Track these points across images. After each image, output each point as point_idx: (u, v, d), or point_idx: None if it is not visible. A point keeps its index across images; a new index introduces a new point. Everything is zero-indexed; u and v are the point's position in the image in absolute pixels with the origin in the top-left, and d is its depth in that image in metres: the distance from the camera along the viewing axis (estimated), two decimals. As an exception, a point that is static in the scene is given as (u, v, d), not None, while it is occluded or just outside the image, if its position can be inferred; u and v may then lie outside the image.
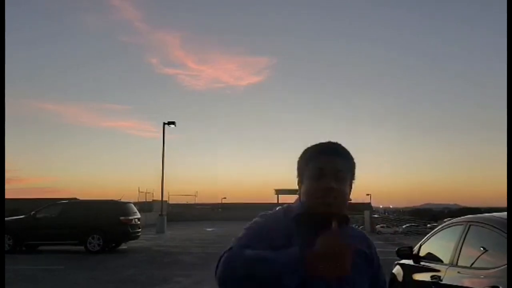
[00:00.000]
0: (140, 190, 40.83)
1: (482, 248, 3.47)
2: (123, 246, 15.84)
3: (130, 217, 15.11)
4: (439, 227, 4.52)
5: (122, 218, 14.70)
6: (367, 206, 50.84)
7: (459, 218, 4.26)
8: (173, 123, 27.22)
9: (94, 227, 14.30)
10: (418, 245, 4.57)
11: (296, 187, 1.42)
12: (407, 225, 36.23)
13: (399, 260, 4.90)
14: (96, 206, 15.15)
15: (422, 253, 4.39)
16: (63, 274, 9.88)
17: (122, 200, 16.21)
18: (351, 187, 1.39)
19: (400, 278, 4.73)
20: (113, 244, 15.24)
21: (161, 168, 26.80)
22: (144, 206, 33.42)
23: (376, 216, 42.24)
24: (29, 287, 8.52)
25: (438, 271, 3.80)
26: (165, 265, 11.37)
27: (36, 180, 70.21)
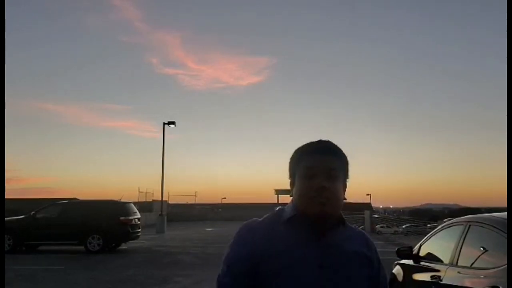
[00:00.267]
0: (140, 190, 40.92)
1: (482, 248, 3.47)
2: (123, 246, 15.84)
3: (130, 217, 15.11)
4: (439, 227, 4.52)
5: (122, 218, 14.70)
6: (367, 206, 50.85)
7: (459, 218, 4.26)
8: (173, 123, 27.22)
9: (94, 227, 14.30)
10: (418, 245, 4.57)
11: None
12: (407, 225, 36.24)
13: (399, 260, 4.90)
14: (96, 206, 15.15)
15: (422, 253, 4.39)
16: (63, 274, 9.88)
17: (122, 200, 16.21)
18: (345, 186, 1.35)
19: (400, 278, 4.73)
20: (113, 244, 15.24)
21: (161, 168, 26.84)
22: (144, 206, 33.41)
23: (376, 216, 42.26)
24: (29, 287, 8.53)
25: (438, 271, 3.80)
26: (165, 265, 11.37)
27: (36, 180, 70.25)
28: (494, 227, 3.36)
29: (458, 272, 3.51)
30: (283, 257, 1.22)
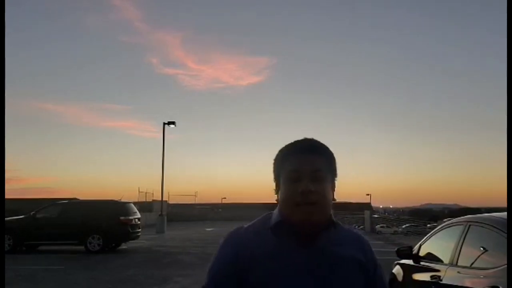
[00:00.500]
0: (140, 190, 40.90)
1: (482, 248, 3.47)
2: (123, 246, 15.84)
3: (130, 217, 15.11)
4: (439, 227, 4.52)
5: (122, 218, 14.70)
6: (367, 206, 50.88)
7: (459, 218, 4.26)
8: (173, 123, 27.22)
9: (94, 227, 14.30)
10: (418, 245, 4.57)
11: None
12: (407, 225, 36.23)
13: (399, 260, 4.90)
14: (96, 206, 15.15)
15: (422, 253, 4.39)
16: (63, 274, 9.88)
17: (122, 200, 16.21)
18: (333, 186, 1.26)
19: (400, 278, 4.73)
20: (113, 244, 15.24)
21: (161, 168, 26.84)
22: (144, 206, 33.40)
23: (376, 216, 42.25)
24: (29, 287, 8.53)
25: (438, 271, 3.80)
26: (165, 265, 11.37)
27: (36, 180, 70.25)
28: (494, 227, 3.36)
29: (458, 272, 3.51)
30: (269, 266, 1.16)
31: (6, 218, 14.05)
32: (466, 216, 4.10)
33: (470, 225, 3.72)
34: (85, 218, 14.45)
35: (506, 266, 2.91)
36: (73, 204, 16.41)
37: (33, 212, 14.89)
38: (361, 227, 32.70)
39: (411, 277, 4.44)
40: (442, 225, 4.53)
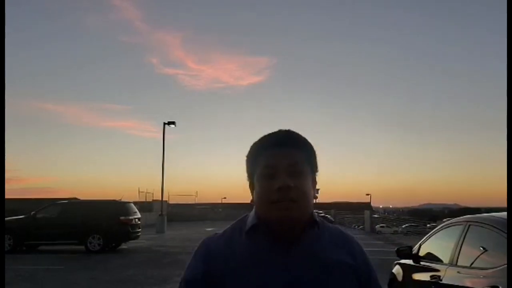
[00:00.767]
0: (140, 190, 40.86)
1: (481, 248, 3.47)
2: (123, 246, 15.84)
3: (130, 217, 15.11)
4: (439, 227, 4.52)
5: (122, 218, 14.70)
6: (367, 206, 50.89)
7: (458, 218, 4.26)
8: (173, 123, 27.21)
9: (94, 227, 14.30)
10: (418, 245, 4.57)
11: None
12: (407, 225, 36.22)
13: (399, 260, 4.90)
14: (96, 206, 15.15)
15: (421, 253, 4.39)
16: (63, 274, 9.88)
17: (122, 200, 16.21)
18: (314, 181, 1.14)
19: (400, 277, 4.73)
20: (113, 244, 15.24)
21: (161, 168, 26.84)
22: (144, 206, 33.40)
23: (376, 216, 42.23)
24: (29, 287, 8.53)
25: (438, 271, 3.80)
26: (165, 265, 11.37)
27: (36, 180, 70.27)
28: (494, 227, 3.36)
29: (458, 272, 3.51)
30: (243, 275, 1.04)
31: (6, 218, 14.05)
32: (465, 216, 4.10)
33: (470, 225, 3.72)
34: (85, 218, 14.45)
35: (506, 266, 2.91)
36: (73, 204, 16.41)
37: (33, 212, 14.89)
38: (361, 227, 32.71)
39: (411, 277, 4.44)
40: (441, 225, 4.53)
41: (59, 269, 10.61)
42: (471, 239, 3.64)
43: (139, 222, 15.81)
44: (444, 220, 9.94)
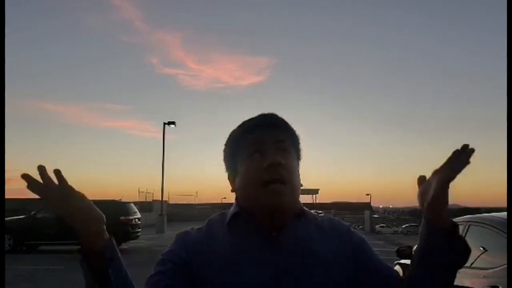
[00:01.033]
0: (140, 190, 40.93)
1: (482, 248, 3.47)
2: (123, 246, 15.84)
3: (130, 217, 15.12)
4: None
5: (122, 218, 14.70)
6: (367, 206, 50.91)
7: (458, 218, 4.26)
8: (173, 123, 27.22)
9: (94, 227, 14.29)
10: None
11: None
12: (407, 225, 36.24)
13: (399, 260, 4.90)
14: (96, 206, 15.13)
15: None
16: (63, 274, 9.88)
17: (122, 200, 16.22)
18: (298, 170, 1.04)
19: (400, 278, 4.73)
20: (113, 244, 15.24)
21: (161, 168, 26.85)
22: (144, 206, 33.43)
23: (376, 216, 42.26)
24: (29, 287, 8.53)
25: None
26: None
27: (36, 180, 70.08)
28: (494, 227, 3.36)
29: (458, 272, 3.51)
30: (224, 269, 0.94)
31: (6, 218, 14.06)
32: (466, 216, 4.10)
33: (470, 225, 3.72)
34: (85, 218, 14.44)
35: (506, 266, 2.91)
36: (73, 204, 16.40)
37: (33, 212, 14.90)
38: (361, 227, 32.73)
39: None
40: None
41: (59, 269, 10.61)
42: (471, 239, 3.64)
43: (139, 222, 15.81)
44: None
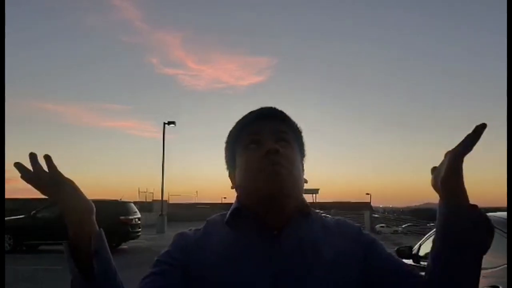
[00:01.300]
0: (140, 190, 40.97)
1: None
2: (123, 246, 15.85)
3: (130, 217, 15.12)
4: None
5: (122, 218, 14.71)
6: (367, 205, 50.91)
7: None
8: (173, 123, 27.23)
9: (94, 227, 14.30)
10: (418, 244, 4.57)
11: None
12: (407, 224, 36.23)
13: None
14: (96, 206, 14.99)
15: (421, 253, 4.39)
16: (63, 274, 9.87)
17: (122, 200, 16.22)
18: (302, 166, 1.00)
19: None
20: (113, 244, 15.24)
21: (161, 168, 26.86)
22: (144, 206, 33.45)
23: (376, 216, 42.26)
24: (29, 287, 8.53)
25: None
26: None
27: (36, 180, 70.11)
28: (494, 227, 3.36)
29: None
30: (223, 268, 0.90)
31: (6, 218, 14.06)
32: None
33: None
34: (85, 218, 14.44)
35: (506, 266, 2.91)
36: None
37: (33, 212, 14.90)
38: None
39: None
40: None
41: (59, 269, 10.60)
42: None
43: (139, 222, 15.82)
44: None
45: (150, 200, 40.67)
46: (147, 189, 43.35)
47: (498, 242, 3.35)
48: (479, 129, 0.82)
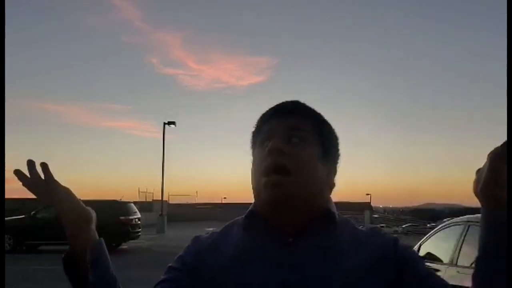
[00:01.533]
0: (140, 190, 40.86)
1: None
2: (123, 246, 15.85)
3: (130, 217, 15.13)
4: (439, 227, 4.53)
5: (122, 218, 14.72)
6: (367, 206, 50.90)
7: (458, 218, 4.27)
8: (173, 123, 27.23)
9: (94, 227, 14.32)
10: (418, 244, 4.58)
11: None
12: (407, 225, 36.27)
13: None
14: (96, 206, 14.82)
15: (422, 253, 4.40)
16: (63, 274, 9.83)
17: (122, 200, 16.23)
18: (331, 168, 0.90)
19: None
20: (113, 244, 15.24)
21: (161, 168, 26.85)
22: (144, 206, 33.40)
23: (376, 216, 42.29)
24: (29, 287, 8.53)
25: (438, 270, 3.80)
26: (165, 265, 11.28)
27: (36, 180, 70.10)
28: None
29: (458, 272, 3.52)
30: (232, 272, 0.85)
31: (6, 218, 14.06)
32: (466, 216, 4.11)
33: (470, 225, 3.73)
34: (85, 218, 14.47)
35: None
36: (73, 204, 16.43)
37: (33, 212, 14.91)
38: (360, 227, 32.64)
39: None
40: (442, 225, 4.54)
41: (59, 269, 10.54)
42: (471, 239, 3.64)
43: (139, 222, 15.83)
44: (445, 220, 9.99)
45: (150, 200, 40.58)
46: (147, 189, 43.21)
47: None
48: None
